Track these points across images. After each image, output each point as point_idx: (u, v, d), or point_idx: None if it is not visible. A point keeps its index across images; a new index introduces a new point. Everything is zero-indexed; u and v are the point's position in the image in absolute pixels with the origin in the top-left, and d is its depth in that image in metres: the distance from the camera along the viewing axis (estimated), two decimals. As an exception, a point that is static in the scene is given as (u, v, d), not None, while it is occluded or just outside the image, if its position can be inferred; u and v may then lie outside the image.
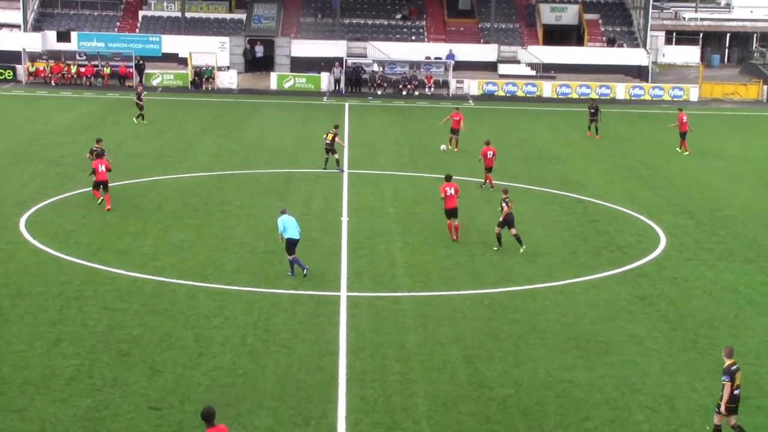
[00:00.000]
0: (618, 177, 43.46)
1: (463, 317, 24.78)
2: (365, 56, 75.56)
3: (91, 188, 35.27)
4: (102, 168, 34.42)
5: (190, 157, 44.97)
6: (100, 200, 34.46)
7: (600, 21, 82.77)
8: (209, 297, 25.75)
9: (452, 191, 31.77)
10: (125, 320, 23.81)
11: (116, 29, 79.83)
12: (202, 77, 71.93)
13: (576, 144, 52.09)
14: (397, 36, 79.99)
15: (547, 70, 76.43)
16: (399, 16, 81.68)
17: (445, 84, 73.01)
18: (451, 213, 31.91)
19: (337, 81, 72.37)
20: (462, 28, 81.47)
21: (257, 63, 78.02)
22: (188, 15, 79.29)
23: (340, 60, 73.24)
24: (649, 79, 76.93)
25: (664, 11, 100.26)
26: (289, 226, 27.57)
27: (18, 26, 79.50)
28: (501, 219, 30.88)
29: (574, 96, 72.44)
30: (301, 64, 75.34)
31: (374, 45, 76.52)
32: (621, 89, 73.17)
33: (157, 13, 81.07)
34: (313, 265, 28.69)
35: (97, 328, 23.26)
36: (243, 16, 79.95)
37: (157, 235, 31.55)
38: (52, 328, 23.11)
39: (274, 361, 21.65)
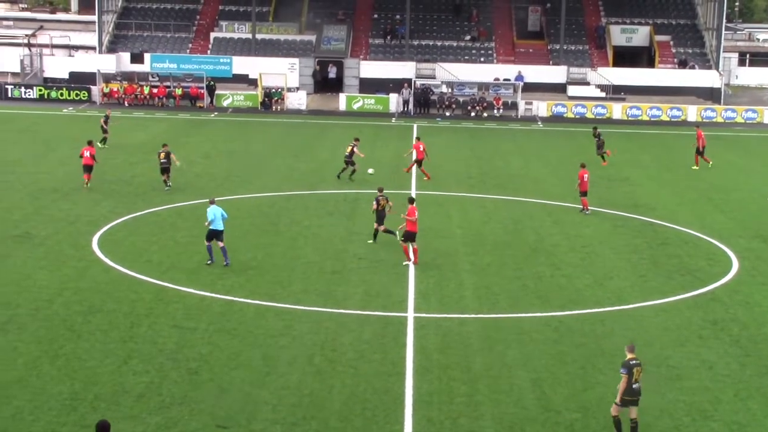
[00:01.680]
0: (688, 200, 42.93)
1: (530, 340, 24.60)
2: (434, 77, 75.67)
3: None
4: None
5: (260, 177, 45.32)
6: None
7: (671, 42, 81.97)
8: (277, 316, 25.87)
9: (416, 215, 31.31)
10: (194, 338, 24.01)
11: (188, 51, 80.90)
12: (272, 98, 72.55)
13: (646, 166, 51.56)
14: (466, 57, 80.00)
15: (617, 92, 75.87)
16: (468, 37, 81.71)
17: (514, 105, 72.78)
18: (412, 237, 31.27)
19: (405, 102, 72.56)
20: (531, 50, 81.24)
21: (326, 84, 78.50)
22: (259, 37, 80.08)
23: (408, 81, 73.44)
24: (722, 101, 75.98)
25: (738, 32, 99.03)
26: (216, 216, 30.01)
27: (93, 48, 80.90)
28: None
29: (645, 118, 71.79)
30: (369, 85, 75.67)
31: (443, 66, 76.60)
32: (692, 111, 72.31)
33: (228, 35, 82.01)
34: (381, 285, 28.74)
35: (167, 345, 23.49)
36: (313, 38, 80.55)
37: (226, 255, 31.80)
38: (123, 345, 23.38)
39: (340, 381, 21.66)
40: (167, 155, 41.20)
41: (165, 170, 41.29)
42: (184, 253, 31.64)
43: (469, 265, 31.45)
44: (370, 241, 33.77)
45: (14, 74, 78.36)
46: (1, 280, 28.21)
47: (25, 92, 73.30)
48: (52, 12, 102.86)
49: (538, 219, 38.23)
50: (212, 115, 68.25)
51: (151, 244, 32.72)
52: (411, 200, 32.06)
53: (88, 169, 41.15)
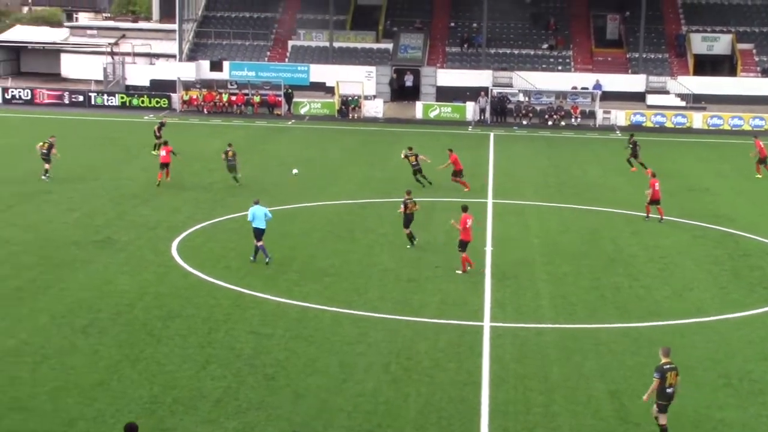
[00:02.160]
0: (771, 211, 42.16)
1: (608, 351, 24.33)
2: (511, 86, 75.36)
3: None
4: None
5: (336, 184, 45.53)
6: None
7: (754, 51, 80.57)
8: (353, 323, 25.94)
9: (470, 224, 31.17)
10: (271, 344, 24.17)
11: (266, 59, 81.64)
12: (349, 106, 72.88)
13: (727, 177, 50.77)
14: (544, 66, 79.56)
15: (698, 101, 74.80)
16: (545, 45, 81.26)
17: (592, 114, 72.15)
18: (466, 246, 31.10)
19: (482, 110, 72.37)
20: (609, 58, 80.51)
21: (403, 92, 78.63)
22: (336, 45, 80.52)
23: (485, 90, 73.24)
24: (806, 110, 74.48)
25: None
26: (258, 216, 30.91)
27: (174, 56, 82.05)
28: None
29: (726, 128, 70.67)
30: (446, 94, 75.62)
31: (520, 75, 76.27)
32: (775, 121, 71.05)
33: (306, 43, 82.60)
34: (457, 294, 28.68)
35: (244, 351, 23.68)
36: (390, 46, 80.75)
37: (303, 261, 32.00)
38: (201, 351, 23.62)
39: (416, 389, 21.64)
40: (234, 154, 43.85)
41: (232, 168, 43.80)
42: (261, 260, 31.88)
43: (546, 275, 31.23)
44: (409, 247, 33.88)
45: (97, 82, 79.76)
46: (83, 284, 28.71)
47: (107, 99, 74.59)
48: (134, 21, 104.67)
49: (616, 229, 37.84)
50: (289, 123, 68.76)
51: (229, 250, 33.04)
52: (464, 208, 31.69)
53: (163, 166, 43.55)
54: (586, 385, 22.18)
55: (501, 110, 72.35)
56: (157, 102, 74.06)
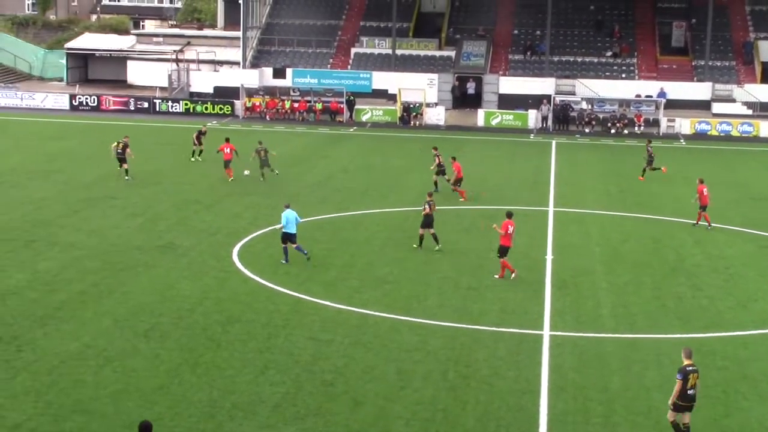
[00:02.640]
0: (839, 221, 41.38)
1: (669, 361, 24.04)
2: (574, 94, 74.88)
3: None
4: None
5: (397, 191, 45.57)
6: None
7: (824, 58, 79.22)
8: (412, 331, 25.93)
9: (512, 230, 31.12)
10: (329, 351, 24.25)
11: (329, 66, 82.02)
12: (411, 113, 72.92)
13: (794, 186, 49.96)
14: (607, 73, 78.94)
15: (765, 110, 73.68)
16: (609, 53, 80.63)
17: (656, 123, 71.42)
18: (507, 251, 31.13)
19: (544, 118, 72.00)
20: (674, 66, 79.62)
21: (465, 99, 78.50)
22: (398, 52, 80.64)
23: (548, 97, 72.86)
24: None
25: None
26: (289, 220, 31.95)
27: (237, 63, 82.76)
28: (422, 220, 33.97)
29: (794, 136, 69.54)
30: (508, 101, 75.34)
31: (583, 82, 75.75)
32: None
33: (368, 50, 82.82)
34: (516, 303, 28.56)
35: (302, 357, 23.78)
36: (452, 54, 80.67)
37: (362, 268, 32.09)
38: (260, 356, 23.77)
39: (474, 397, 21.58)
40: (266, 152, 46.51)
41: (266, 164, 46.50)
42: (321, 266, 32.02)
43: (606, 284, 30.98)
44: (415, 246, 34.53)
45: (162, 89, 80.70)
46: (146, 288, 29.05)
47: (171, 106, 75.46)
48: (199, 28, 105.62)
49: (679, 238, 37.42)
50: (351, 130, 68.99)
51: (289, 256, 33.17)
52: (508, 215, 31.63)
53: (227, 164, 46.44)
54: (646, 395, 21.95)
55: (563, 118, 71.92)
56: (221, 109, 74.75)
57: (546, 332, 26.15)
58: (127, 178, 45.78)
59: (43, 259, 31.92)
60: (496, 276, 31.02)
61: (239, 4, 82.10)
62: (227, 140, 47.24)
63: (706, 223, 38.75)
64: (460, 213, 41.10)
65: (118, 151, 46.16)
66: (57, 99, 76.82)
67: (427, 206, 34.17)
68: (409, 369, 23.17)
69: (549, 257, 34.00)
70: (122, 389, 21.44)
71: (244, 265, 31.90)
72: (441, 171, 45.53)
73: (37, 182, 45.14)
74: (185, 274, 30.69)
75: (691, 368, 19.19)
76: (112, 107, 75.81)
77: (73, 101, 76.40)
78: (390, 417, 20.45)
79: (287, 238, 32.14)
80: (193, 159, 51.84)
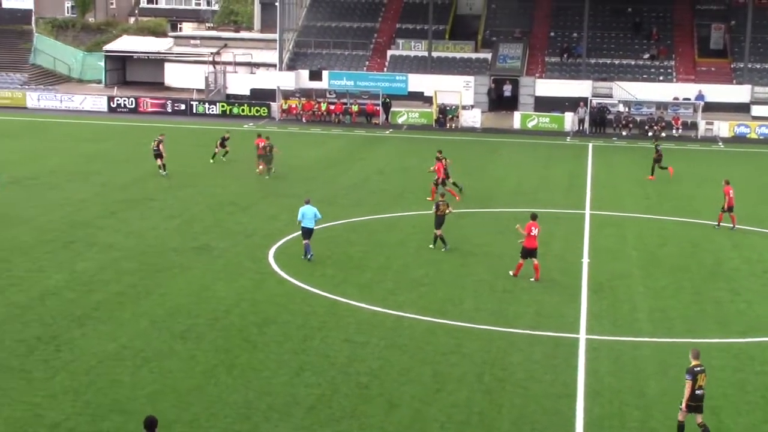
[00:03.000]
0: None
1: (707, 366, 23.63)
2: (611, 96, 74.48)
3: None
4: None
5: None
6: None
7: None
8: (447, 333, 25.90)
9: (536, 232, 31.25)
10: (365, 353, 24.26)
11: (365, 68, 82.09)
12: (447, 115, 72.84)
13: (834, 190, 49.43)
14: (645, 76, 78.43)
15: (805, 112, 72.93)
16: (647, 55, 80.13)
17: (694, 126, 70.87)
18: (531, 253, 31.20)
19: (581, 121, 71.67)
20: (713, 68, 78.99)
21: (501, 102, 78.33)
22: (434, 54, 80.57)
23: (584, 100, 72.54)
24: None
25: None
26: (307, 215, 32.57)
27: (274, 65, 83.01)
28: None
29: (834, 139, 68.80)
30: (545, 104, 75.08)
31: (620, 85, 75.35)
32: None
33: (404, 53, 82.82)
34: (552, 306, 28.46)
35: (338, 359, 23.81)
36: (488, 56, 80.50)
37: (398, 270, 32.08)
38: (296, 357, 23.83)
39: (509, 401, 21.52)
40: (271, 148, 48.15)
41: (269, 160, 47.98)
42: (357, 268, 32.06)
43: (643, 288, 30.79)
44: (431, 246, 34.55)
45: (199, 91, 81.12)
46: (182, 290, 29.21)
47: (208, 108, 75.83)
48: (236, 31, 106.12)
49: (717, 242, 37.13)
50: (387, 132, 69.01)
51: (325, 258, 33.26)
52: (533, 216, 31.75)
53: (261, 158, 48.43)
54: (683, 400, 21.76)
55: (600, 121, 71.55)
56: (257, 111, 74.99)
57: (582, 336, 26.03)
58: (163, 173, 47.39)
59: (81, 260, 32.18)
60: (532, 279, 30.96)
61: (276, 6, 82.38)
62: (259, 135, 49.95)
63: (731, 225, 38.65)
64: (496, 215, 40.99)
65: (154, 148, 48.26)
66: (95, 101, 77.41)
67: (435, 207, 34.75)
68: (444, 372, 23.15)
69: (585, 260, 33.85)
70: (159, 390, 21.56)
71: (280, 266, 32.00)
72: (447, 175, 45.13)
73: (76, 184, 45.52)
74: (221, 276, 30.83)
75: (699, 368, 19.46)
76: (150, 109, 76.30)
77: (111, 103, 76.96)
78: (425, 420, 20.43)
79: (306, 233, 32.74)
80: (212, 161, 52.13)
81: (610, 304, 28.99)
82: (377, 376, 22.73)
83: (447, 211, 34.62)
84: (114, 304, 27.60)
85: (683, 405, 19.43)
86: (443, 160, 44.36)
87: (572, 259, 34.08)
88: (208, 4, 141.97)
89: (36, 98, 77.81)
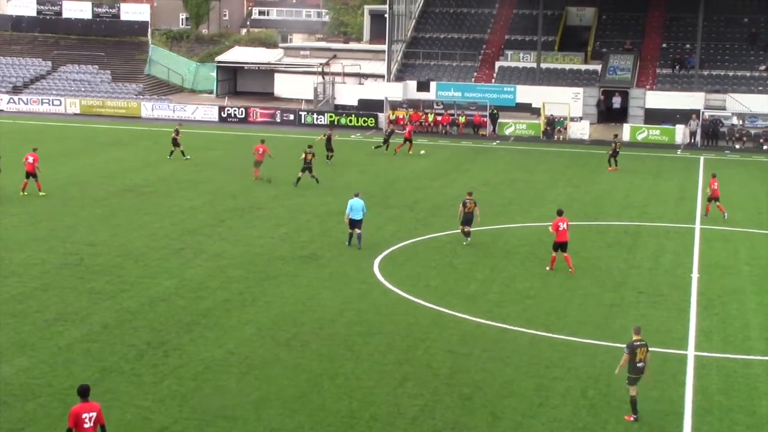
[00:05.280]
0: None
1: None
2: (724, 108, 72.99)
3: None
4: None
5: (539, 206, 45.19)
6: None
7: None
8: (551, 347, 25.66)
9: (565, 226, 33.05)
10: (468, 364, 24.18)
11: (473, 79, 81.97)
12: (555, 127, 72.28)
13: None
14: (760, 88, 76.62)
15: None
16: (763, 67, 78.32)
17: (811, 138, 69.01)
18: (562, 246, 33.14)
19: (693, 134, 70.36)
20: (831, 80, 76.88)
21: (610, 114, 77.40)
22: (543, 66, 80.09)
23: (697, 112, 71.19)
24: None
25: None
26: (355, 208, 35.18)
27: (382, 76, 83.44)
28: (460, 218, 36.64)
29: None
30: (655, 116, 73.95)
31: (734, 97, 73.76)
32: None
33: (513, 64, 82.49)
34: (660, 321, 27.98)
35: (441, 370, 23.78)
36: (598, 67, 79.67)
37: (503, 282, 31.92)
38: (399, 368, 23.86)
39: (615, 416, 21.21)
40: (314, 156, 48.28)
41: (308, 169, 47.86)
42: (462, 279, 31.99)
43: (756, 305, 30.06)
44: (465, 243, 36.63)
45: (308, 101, 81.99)
46: (288, 298, 29.51)
47: (316, 118, 76.60)
48: (345, 42, 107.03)
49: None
50: (494, 144, 68.77)
51: (430, 269, 33.28)
52: (559, 212, 33.67)
53: (257, 164, 49.96)
54: (796, 421, 21.21)
55: (713, 133, 70.14)
56: (365, 121, 75.47)
57: (691, 352, 25.53)
58: (186, 157, 54.89)
59: (190, 267, 32.77)
60: (548, 268, 33.31)
61: (385, 17, 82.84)
62: (262, 141, 51.02)
63: (722, 213, 42.31)
64: (602, 229, 40.50)
65: (174, 137, 55.23)
66: (207, 111, 78.89)
67: (461, 205, 36.77)
68: (548, 385, 22.94)
69: (695, 276, 33.21)
70: (264, 397, 21.81)
71: (385, 277, 32.11)
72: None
73: (187, 191, 46.41)
74: (327, 285, 31.06)
75: (638, 343, 20.91)
76: (260, 119, 77.43)
77: (222, 113, 78.33)
78: (528, 433, 20.27)
79: (353, 224, 35.43)
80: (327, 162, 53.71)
81: (721, 320, 28.38)
82: (480, 388, 22.63)
83: (474, 209, 36.45)
84: (221, 311, 28.03)
85: (618, 370, 21.42)
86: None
87: (682, 273, 33.47)
88: (319, 15, 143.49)
89: (150, 108, 79.66)
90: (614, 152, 57.16)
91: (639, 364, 20.83)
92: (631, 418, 20.91)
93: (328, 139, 56.66)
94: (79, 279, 30.91)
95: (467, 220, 36.58)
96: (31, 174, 44.17)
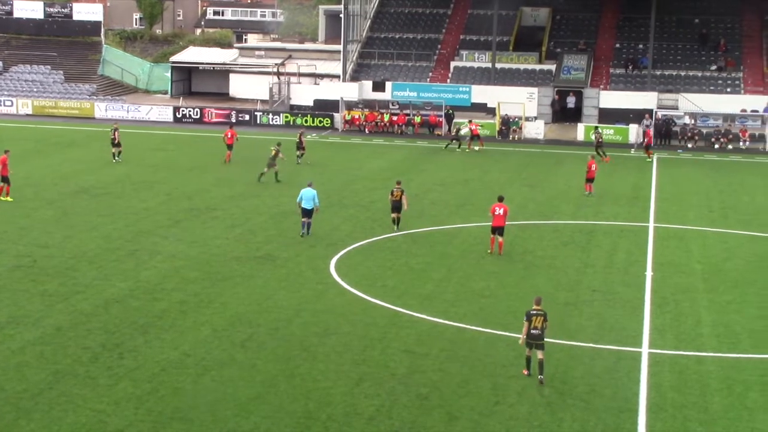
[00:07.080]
0: None
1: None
2: (676, 108, 73.74)
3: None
4: None
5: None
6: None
7: None
8: (508, 346, 25.75)
9: (501, 211, 35.18)
10: (425, 364, 24.23)
11: (428, 79, 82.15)
12: (510, 127, 72.60)
13: None
14: (711, 88, 77.47)
15: None
16: (714, 67, 79.17)
17: (762, 138, 69.86)
18: (497, 230, 35.40)
19: (645, 133, 70.88)
20: (782, 80, 77.89)
21: (565, 114, 77.90)
22: (498, 66, 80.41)
23: (650, 112, 71.85)
24: None
25: None
26: (306, 197, 36.76)
27: (337, 77, 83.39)
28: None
29: None
30: (609, 116, 74.54)
31: (686, 97, 74.54)
32: None
33: (468, 64, 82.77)
34: (615, 319, 28.20)
35: (398, 370, 23.80)
36: (552, 67, 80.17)
37: (459, 282, 32.01)
38: (356, 368, 23.85)
39: (570, 414, 21.34)
40: (277, 154, 49.42)
41: (270, 165, 49.17)
42: (418, 279, 32.05)
43: (708, 302, 30.38)
44: (394, 232, 38.11)
45: (263, 101, 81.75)
46: (243, 299, 29.41)
47: (272, 119, 76.40)
48: (301, 42, 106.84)
49: (785, 256, 36.54)
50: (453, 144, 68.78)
51: (386, 269, 33.31)
52: (499, 198, 36.02)
53: (230, 147, 55.26)
54: (749, 417, 21.46)
55: (665, 133, 70.82)
56: (320, 122, 75.40)
57: (645, 350, 25.75)
58: (117, 159, 55.04)
59: (145, 269, 32.55)
60: (489, 251, 35.47)
61: (340, 18, 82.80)
62: (231, 126, 56.30)
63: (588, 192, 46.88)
64: (558, 228, 40.75)
65: (111, 137, 55.83)
66: (161, 111, 78.45)
67: (390, 193, 38.70)
68: (504, 384, 23.04)
69: (649, 274, 33.51)
70: (220, 398, 21.71)
71: (341, 277, 32.09)
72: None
73: (141, 193, 46.09)
74: (282, 285, 30.99)
75: (534, 312, 23.09)
76: (215, 119, 77.07)
77: (177, 113, 77.91)
78: (485, 432, 20.35)
79: (304, 213, 37.14)
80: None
81: (674, 318, 28.65)
82: (437, 388, 22.68)
83: (402, 197, 38.29)
84: (177, 313, 27.87)
85: (521, 342, 23.38)
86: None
87: (635, 272, 33.76)
88: (274, 15, 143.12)
89: (104, 108, 79.04)
90: (598, 143, 61.11)
91: (533, 331, 23.01)
92: (526, 372, 23.38)
93: (300, 140, 56.87)
94: (32, 281, 30.60)
95: (396, 207, 38.47)
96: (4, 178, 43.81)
